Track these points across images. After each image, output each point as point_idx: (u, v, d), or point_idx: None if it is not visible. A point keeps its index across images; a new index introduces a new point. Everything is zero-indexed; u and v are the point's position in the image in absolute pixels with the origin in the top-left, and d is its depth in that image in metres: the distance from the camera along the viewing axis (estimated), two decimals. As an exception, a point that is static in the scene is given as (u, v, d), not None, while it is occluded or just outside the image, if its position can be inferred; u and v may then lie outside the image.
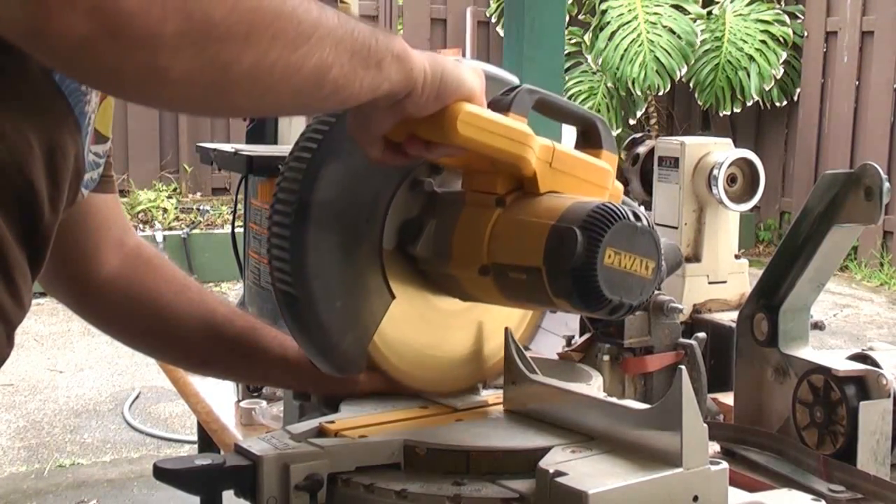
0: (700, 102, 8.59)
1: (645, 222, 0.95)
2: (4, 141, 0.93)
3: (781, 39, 8.46)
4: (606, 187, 1.09)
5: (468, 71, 0.96)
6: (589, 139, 1.13)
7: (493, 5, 8.64)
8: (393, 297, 1.10)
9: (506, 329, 1.14)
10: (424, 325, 1.14)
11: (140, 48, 0.72)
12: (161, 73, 0.74)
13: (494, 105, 1.02)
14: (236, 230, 1.91)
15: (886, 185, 1.24)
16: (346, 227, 1.07)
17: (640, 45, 8.12)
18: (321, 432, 1.05)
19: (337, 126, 1.04)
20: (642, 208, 2.15)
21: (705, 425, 0.91)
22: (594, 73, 8.46)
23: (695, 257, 1.91)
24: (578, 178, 1.05)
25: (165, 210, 7.73)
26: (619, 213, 0.94)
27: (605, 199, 1.06)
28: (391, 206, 1.09)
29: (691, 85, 8.49)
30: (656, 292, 1.49)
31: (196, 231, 7.45)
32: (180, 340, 1.29)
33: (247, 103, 0.85)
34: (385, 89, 0.89)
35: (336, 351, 1.08)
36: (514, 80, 1.14)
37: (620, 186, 1.13)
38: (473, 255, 1.02)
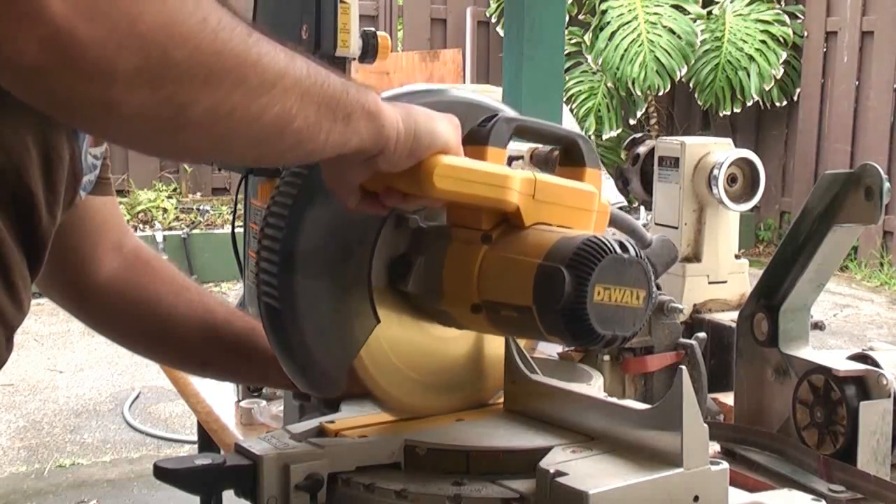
0: (700, 102, 8.59)
1: (633, 252, 0.94)
2: (2, 145, 0.93)
3: (781, 39, 8.45)
4: (592, 210, 1.07)
5: (442, 122, 0.95)
6: (571, 157, 1.12)
7: (493, 5, 8.64)
8: (378, 321, 1.07)
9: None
10: (419, 349, 1.12)
11: (92, 80, 0.70)
12: (114, 108, 0.72)
13: (471, 137, 1.01)
14: (236, 230, 1.91)
15: (886, 185, 1.24)
16: (333, 269, 1.05)
17: (640, 45, 8.13)
18: (321, 432, 1.05)
19: (315, 168, 1.02)
20: (642, 209, 2.14)
21: (705, 425, 0.91)
22: (594, 73, 8.46)
23: (695, 257, 1.91)
24: (563, 205, 1.04)
25: (165, 210, 7.73)
26: (605, 247, 0.92)
27: (591, 223, 1.06)
28: (377, 245, 1.07)
29: (691, 85, 8.49)
30: (656, 292, 1.49)
31: (196, 231, 7.45)
32: (179, 342, 1.28)
33: (202, 146, 0.82)
34: (354, 145, 0.87)
35: (316, 369, 1.07)
36: (496, 104, 1.12)
37: (608, 203, 1.12)
38: (464, 293, 1.01)
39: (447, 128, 0.95)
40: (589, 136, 7.61)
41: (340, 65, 1.70)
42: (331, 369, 1.07)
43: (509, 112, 1.09)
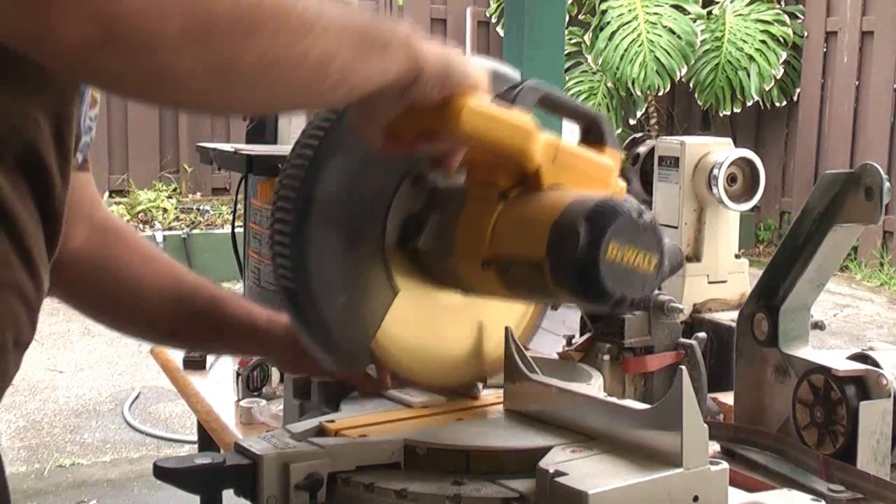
0: (700, 102, 8.59)
1: (648, 218, 0.95)
2: (11, 119, 0.94)
3: (781, 39, 8.45)
4: (609, 184, 1.09)
5: (474, 63, 0.96)
6: (592, 136, 1.12)
7: (493, 5, 8.64)
8: (396, 291, 1.10)
9: (506, 328, 1.14)
10: (425, 320, 1.14)
11: (143, 50, 0.72)
12: (165, 73, 0.74)
13: (498, 101, 1.02)
14: (236, 230, 1.91)
15: (886, 185, 1.24)
16: (348, 223, 1.06)
17: (640, 45, 8.13)
18: (321, 431, 1.06)
19: (339, 123, 1.04)
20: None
21: (705, 425, 0.91)
22: (594, 73, 8.46)
23: (695, 257, 1.91)
24: (581, 173, 1.05)
25: (165, 210, 7.73)
26: (622, 207, 0.93)
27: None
28: (393, 202, 1.08)
29: (691, 85, 8.49)
30: (656, 292, 1.49)
31: (196, 231, 7.45)
32: (146, 310, 1.27)
33: (252, 98, 0.84)
34: (392, 74, 0.88)
35: (339, 346, 1.08)
36: (518, 77, 1.13)
37: (623, 184, 1.13)
38: (476, 249, 1.02)
39: (478, 70, 0.96)
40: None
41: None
42: (353, 345, 1.09)
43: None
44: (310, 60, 0.81)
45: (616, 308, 0.95)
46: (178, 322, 1.28)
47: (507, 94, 1.04)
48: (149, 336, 1.44)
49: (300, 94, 0.86)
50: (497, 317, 1.18)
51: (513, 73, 1.13)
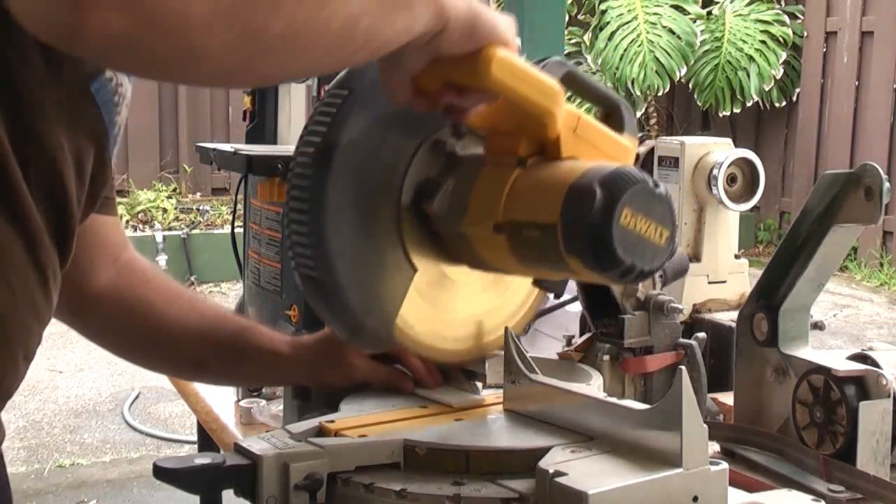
0: (700, 103, 8.59)
1: (663, 190, 0.95)
2: (42, 144, 0.97)
3: (781, 39, 8.46)
4: (627, 164, 1.08)
5: (503, 18, 0.96)
6: (611, 122, 1.12)
7: (493, 5, 8.63)
8: (415, 269, 1.09)
9: (506, 329, 1.14)
10: (436, 297, 1.14)
11: (172, 32, 0.73)
12: (197, 53, 0.75)
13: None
14: (236, 230, 1.91)
15: (886, 185, 1.24)
16: (367, 178, 1.06)
17: (639, 46, 8.12)
18: (321, 432, 1.05)
19: (366, 76, 1.03)
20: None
21: (705, 425, 0.91)
22: (593, 74, 8.45)
23: (695, 257, 1.91)
24: (600, 149, 1.05)
25: (165, 210, 7.73)
26: (639, 176, 0.93)
27: None
28: (412, 165, 1.08)
29: (690, 86, 8.49)
30: (656, 292, 1.49)
31: (196, 231, 7.45)
32: (171, 346, 1.30)
33: (282, 67, 0.85)
34: (418, 29, 0.88)
35: (364, 330, 1.09)
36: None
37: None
38: (489, 213, 1.01)
39: (507, 24, 0.96)
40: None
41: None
42: (378, 326, 1.09)
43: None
44: (335, 24, 0.81)
45: (624, 276, 0.94)
46: (203, 355, 1.30)
47: (533, 65, 1.03)
48: (174, 370, 1.47)
49: (328, 58, 0.86)
50: (495, 315, 1.19)
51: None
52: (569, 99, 1.05)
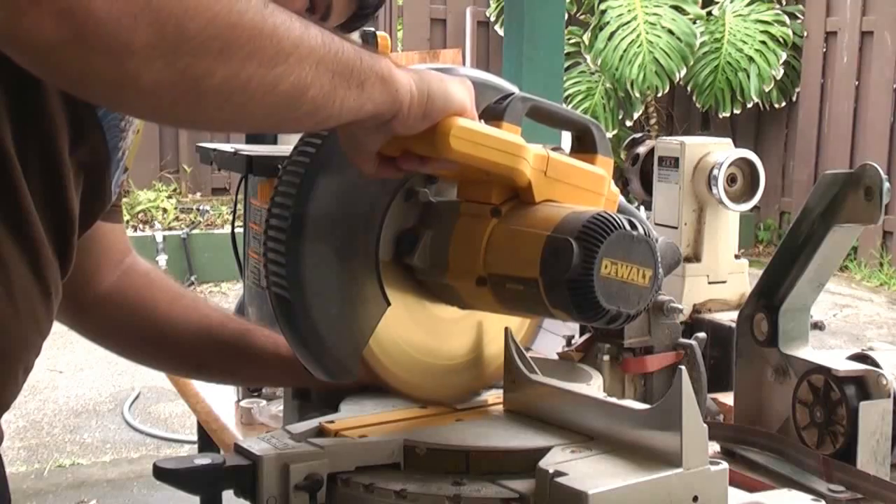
0: (699, 105, 8.58)
1: (641, 230, 0.95)
2: (48, 164, 0.98)
3: (781, 40, 8.45)
4: (602, 193, 1.08)
5: (456, 85, 0.95)
6: (583, 144, 1.12)
7: (493, 5, 8.63)
8: (388, 304, 1.09)
9: (506, 329, 1.14)
10: (422, 332, 1.13)
11: (108, 55, 0.71)
12: (130, 82, 0.73)
13: (487, 114, 1.02)
14: (236, 230, 1.91)
15: (886, 185, 1.24)
16: (341, 238, 1.06)
17: (639, 46, 8.12)
18: (321, 432, 1.06)
19: (330, 138, 1.03)
20: (642, 209, 2.14)
21: (705, 425, 0.91)
22: (592, 74, 8.45)
23: (695, 257, 1.91)
24: (574, 185, 1.05)
25: (165, 210, 7.72)
26: (615, 222, 0.93)
27: (600, 206, 1.06)
28: (386, 217, 1.08)
29: (689, 88, 8.48)
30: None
31: (196, 231, 7.44)
32: (175, 347, 1.31)
33: (218, 117, 0.83)
34: (368, 110, 0.88)
35: (329, 356, 1.08)
36: (508, 86, 1.13)
37: (617, 191, 1.12)
38: (470, 266, 1.02)
39: (461, 90, 0.95)
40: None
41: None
42: (343, 356, 1.08)
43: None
44: (282, 88, 0.80)
45: (611, 323, 0.95)
46: (206, 355, 1.30)
47: (495, 107, 1.03)
48: (177, 370, 1.49)
49: (270, 118, 0.85)
50: (497, 320, 1.18)
51: (503, 83, 1.12)
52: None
